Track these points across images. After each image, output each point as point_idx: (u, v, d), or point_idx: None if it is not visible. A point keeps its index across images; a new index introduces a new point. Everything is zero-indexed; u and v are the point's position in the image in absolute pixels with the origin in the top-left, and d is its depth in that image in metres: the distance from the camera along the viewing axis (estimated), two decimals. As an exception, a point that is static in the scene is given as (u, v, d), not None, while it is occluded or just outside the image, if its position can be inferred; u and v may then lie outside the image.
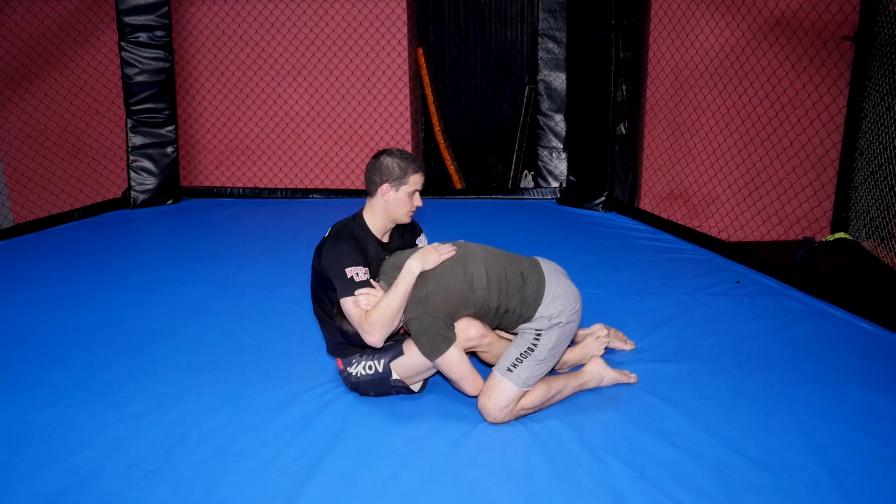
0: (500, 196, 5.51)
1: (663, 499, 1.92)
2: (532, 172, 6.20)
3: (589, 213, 4.94)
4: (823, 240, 4.54)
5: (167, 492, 1.99)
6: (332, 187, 5.96)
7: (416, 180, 2.45)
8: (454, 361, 2.29)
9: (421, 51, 6.11)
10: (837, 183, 5.07)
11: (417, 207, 2.49)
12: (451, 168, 6.23)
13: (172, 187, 5.47)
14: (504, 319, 2.38)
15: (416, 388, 2.48)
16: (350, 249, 2.37)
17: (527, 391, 2.30)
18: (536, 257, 2.48)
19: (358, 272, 2.33)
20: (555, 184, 5.58)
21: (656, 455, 2.11)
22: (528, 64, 6.23)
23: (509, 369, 2.29)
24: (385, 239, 2.53)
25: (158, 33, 5.16)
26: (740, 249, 3.92)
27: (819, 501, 1.90)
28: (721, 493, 1.93)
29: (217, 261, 4.05)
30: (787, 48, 5.14)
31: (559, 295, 2.35)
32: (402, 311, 2.28)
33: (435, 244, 2.40)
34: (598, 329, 2.72)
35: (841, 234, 4.57)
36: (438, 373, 2.46)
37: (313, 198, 5.63)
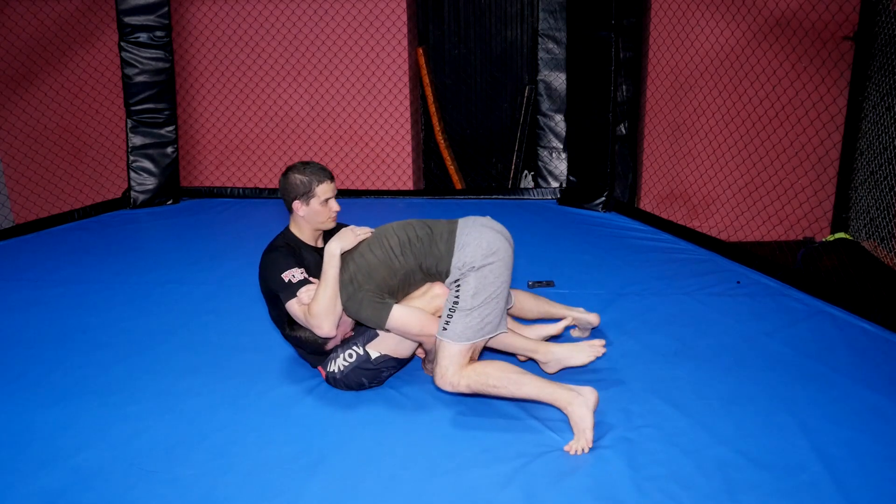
0: (500, 196, 5.51)
1: (663, 499, 1.92)
2: (532, 172, 6.20)
3: (589, 213, 4.94)
4: (823, 240, 4.54)
5: (167, 492, 1.99)
6: (332, 187, 5.96)
7: (323, 190, 2.52)
8: (404, 316, 2.34)
9: (421, 51, 6.11)
10: (837, 183, 5.07)
11: (337, 212, 2.58)
12: (451, 168, 6.23)
13: (172, 187, 5.47)
14: (427, 280, 2.45)
15: (405, 355, 2.49)
16: (279, 256, 2.47)
17: (472, 355, 2.31)
18: (466, 218, 2.51)
19: (294, 273, 2.42)
20: (555, 184, 5.58)
21: (656, 455, 2.11)
22: (528, 64, 6.23)
23: (444, 328, 2.31)
24: (319, 244, 2.62)
25: (158, 33, 5.16)
26: (740, 249, 3.92)
27: (819, 501, 1.90)
28: (721, 493, 1.93)
29: (217, 261, 4.05)
30: (787, 48, 5.14)
31: (468, 242, 2.37)
32: (338, 295, 2.34)
33: (351, 226, 2.46)
34: (598, 343, 2.60)
35: (841, 234, 4.57)
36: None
37: (313, 198, 5.62)
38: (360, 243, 2.43)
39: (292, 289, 2.40)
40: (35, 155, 6.10)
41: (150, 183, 5.37)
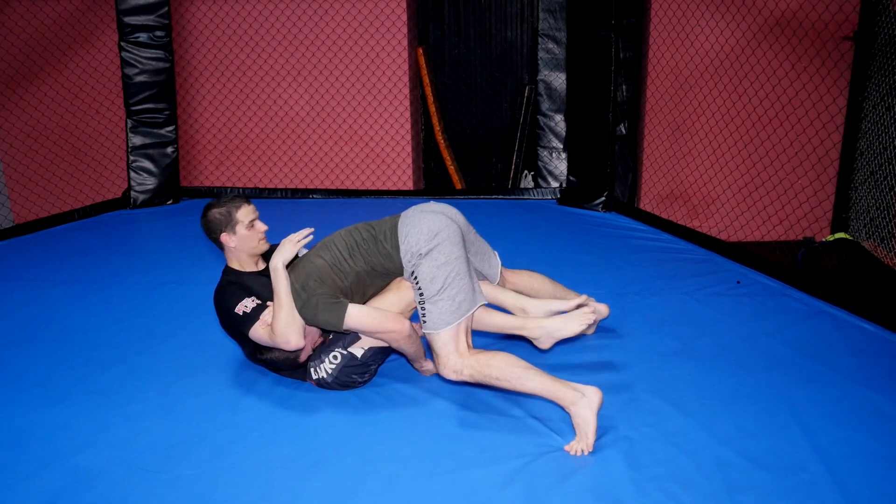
0: (500, 196, 5.51)
1: (663, 499, 1.92)
2: (532, 172, 6.20)
3: (589, 213, 4.94)
4: (823, 240, 4.54)
5: (167, 492, 1.99)
6: (332, 187, 5.96)
7: (244, 214, 2.53)
8: (361, 315, 2.34)
9: (421, 51, 6.11)
10: (837, 183, 5.07)
11: (265, 231, 2.58)
12: (451, 168, 6.23)
13: (172, 187, 5.46)
14: (388, 279, 2.48)
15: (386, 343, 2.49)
16: (227, 294, 2.49)
17: (466, 337, 2.32)
18: (407, 209, 2.50)
19: (245, 304, 2.44)
20: (555, 184, 5.57)
21: (656, 455, 2.11)
22: (528, 64, 6.23)
23: (423, 322, 2.33)
24: (261, 266, 2.63)
25: (158, 33, 5.16)
26: (740, 249, 3.92)
27: (819, 501, 1.90)
28: (721, 493, 1.93)
29: (217, 261, 4.02)
30: (787, 48, 5.14)
31: (409, 232, 2.38)
32: (293, 306, 2.34)
33: (287, 237, 2.43)
34: (588, 309, 2.51)
35: (841, 234, 4.57)
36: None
37: (313, 198, 5.62)
38: (308, 252, 2.46)
39: (250, 319, 2.41)
40: (35, 155, 6.10)
41: (150, 183, 5.37)
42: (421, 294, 2.33)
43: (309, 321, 2.37)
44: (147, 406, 2.46)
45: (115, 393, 2.55)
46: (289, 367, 2.51)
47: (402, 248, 2.38)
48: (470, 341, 2.37)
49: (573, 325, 2.46)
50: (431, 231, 2.35)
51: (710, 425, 2.26)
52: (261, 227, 2.56)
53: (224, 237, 2.55)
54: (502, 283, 2.74)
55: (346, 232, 2.50)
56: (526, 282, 2.84)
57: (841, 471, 2.02)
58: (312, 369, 2.50)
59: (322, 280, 2.37)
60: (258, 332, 2.39)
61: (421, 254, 2.34)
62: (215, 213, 2.55)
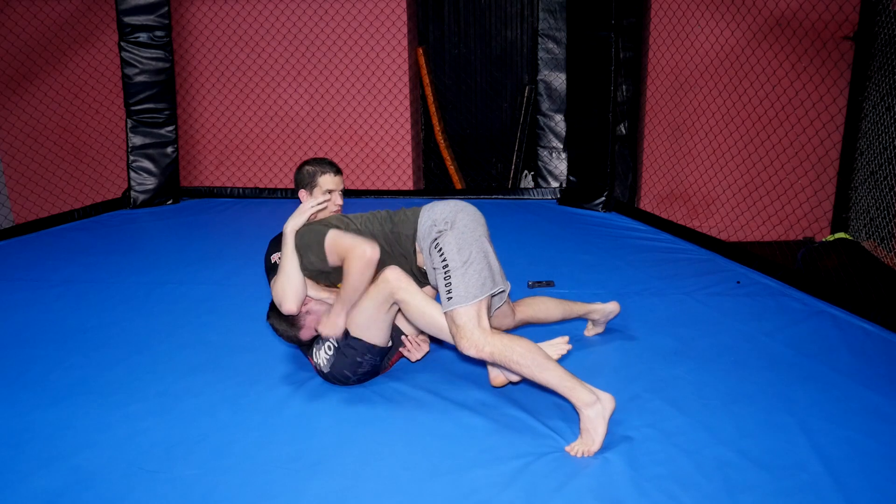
0: (500, 196, 5.51)
1: (663, 499, 1.91)
2: (532, 172, 6.20)
3: (589, 213, 4.94)
4: (823, 240, 4.54)
5: (167, 492, 1.99)
6: (332, 187, 5.96)
7: (325, 181, 2.61)
8: (338, 237, 2.37)
9: (421, 51, 6.11)
10: (837, 183, 5.07)
11: (340, 205, 2.66)
12: (451, 168, 6.23)
13: (172, 187, 5.47)
14: (393, 259, 2.45)
15: (378, 341, 2.46)
16: (275, 242, 2.58)
17: (485, 317, 2.26)
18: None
19: (279, 255, 2.49)
20: (555, 184, 5.58)
21: (656, 455, 2.11)
22: (528, 64, 6.23)
23: (448, 298, 2.25)
24: None
25: (158, 33, 5.16)
26: (740, 249, 3.92)
27: (819, 501, 1.90)
28: (721, 493, 1.93)
29: (217, 261, 4.05)
30: (787, 48, 5.14)
31: (433, 206, 2.44)
32: (298, 273, 2.40)
33: (301, 205, 2.53)
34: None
35: (841, 234, 4.57)
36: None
37: (313, 198, 5.62)
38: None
39: (275, 270, 2.49)
40: (35, 155, 6.11)
41: (150, 183, 5.37)
42: (446, 266, 2.28)
43: (302, 254, 2.42)
44: (147, 406, 2.46)
45: (115, 393, 2.55)
46: (289, 340, 2.54)
47: (424, 217, 2.41)
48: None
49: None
50: (457, 207, 2.40)
51: (710, 425, 2.26)
52: (337, 199, 2.64)
53: (302, 193, 2.65)
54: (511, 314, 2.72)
55: (365, 214, 2.58)
56: (533, 309, 2.80)
57: (841, 471, 2.02)
58: (315, 350, 2.54)
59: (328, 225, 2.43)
60: (274, 285, 2.45)
61: (447, 221, 2.34)
62: (306, 168, 2.65)
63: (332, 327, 2.41)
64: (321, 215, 2.61)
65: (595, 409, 2.14)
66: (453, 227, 2.33)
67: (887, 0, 4.49)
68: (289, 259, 2.41)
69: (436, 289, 2.47)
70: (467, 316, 2.23)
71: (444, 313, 2.28)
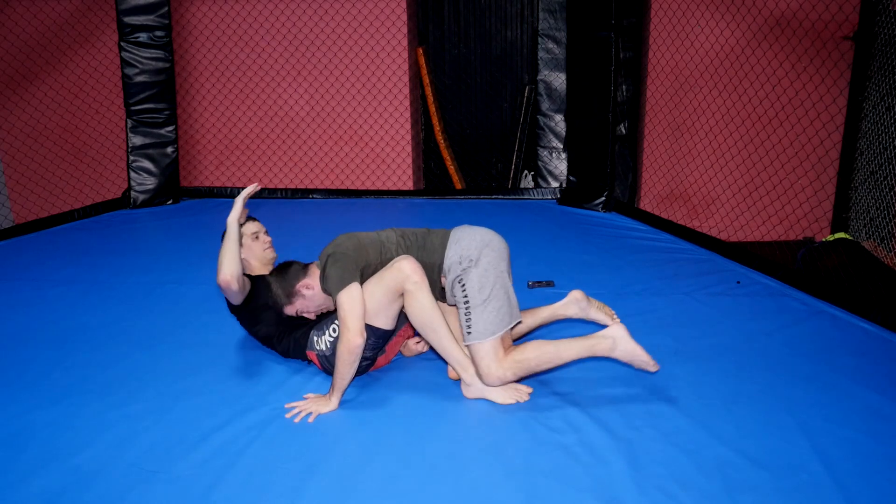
0: (500, 196, 5.51)
1: (663, 499, 1.91)
2: (532, 172, 6.20)
3: (589, 213, 4.94)
4: (823, 240, 4.54)
5: (167, 492, 1.99)
6: (332, 187, 5.96)
7: (247, 229, 2.83)
8: (353, 298, 2.36)
9: (421, 51, 6.11)
10: (837, 183, 5.07)
11: (270, 242, 2.89)
12: (451, 168, 6.23)
13: (172, 187, 5.47)
14: (427, 271, 2.46)
15: (383, 325, 2.46)
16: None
17: (508, 346, 2.36)
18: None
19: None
20: (555, 184, 5.58)
21: (656, 455, 2.11)
22: (528, 64, 6.24)
23: (468, 333, 2.35)
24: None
25: (158, 33, 5.16)
26: (740, 249, 3.92)
27: (819, 501, 1.90)
28: (721, 493, 1.93)
29: (216, 261, 4.04)
30: (787, 48, 5.14)
31: (460, 238, 2.47)
32: (235, 251, 2.57)
33: (238, 195, 2.73)
34: (575, 293, 2.62)
35: (841, 234, 4.57)
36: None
37: (313, 198, 5.62)
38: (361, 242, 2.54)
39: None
40: (35, 155, 6.11)
41: (150, 183, 5.37)
42: (467, 303, 2.37)
43: (323, 263, 2.46)
44: (147, 406, 2.46)
45: (115, 393, 2.55)
46: (276, 321, 2.64)
47: (451, 248, 2.45)
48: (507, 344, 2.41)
49: (502, 397, 2.41)
50: (484, 240, 2.45)
51: (709, 425, 2.26)
52: (265, 238, 2.86)
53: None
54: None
55: (394, 230, 2.61)
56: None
57: (841, 471, 2.02)
58: (316, 338, 2.56)
59: (360, 248, 2.47)
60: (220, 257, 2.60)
61: (472, 260, 2.39)
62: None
63: (325, 406, 2.41)
64: (268, 255, 2.84)
65: (619, 345, 2.36)
66: (477, 265, 2.40)
67: (887, 0, 4.49)
68: (229, 241, 2.59)
69: (453, 306, 2.55)
70: (484, 351, 2.34)
71: (465, 345, 2.39)
